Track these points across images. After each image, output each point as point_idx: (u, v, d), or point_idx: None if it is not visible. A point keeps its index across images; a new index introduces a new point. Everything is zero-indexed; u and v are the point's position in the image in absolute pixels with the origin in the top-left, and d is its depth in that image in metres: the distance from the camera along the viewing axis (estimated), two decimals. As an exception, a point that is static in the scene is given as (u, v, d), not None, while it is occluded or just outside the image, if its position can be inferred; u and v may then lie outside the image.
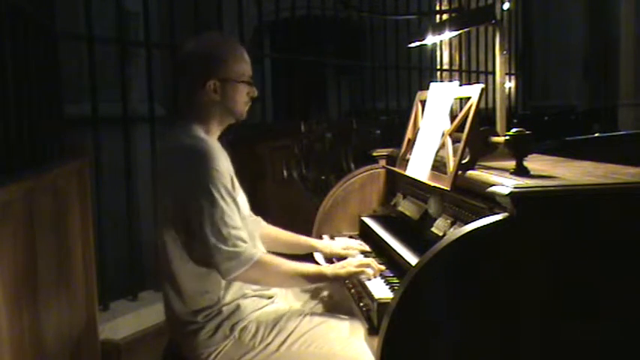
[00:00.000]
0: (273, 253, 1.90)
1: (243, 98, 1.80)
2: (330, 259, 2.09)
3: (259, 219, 2.05)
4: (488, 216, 1.35)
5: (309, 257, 2.13)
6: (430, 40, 2.29)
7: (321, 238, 2.29)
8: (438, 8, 7.02)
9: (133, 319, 3.22)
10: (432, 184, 1.79)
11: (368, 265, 1.76)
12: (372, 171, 2.49)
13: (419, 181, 1.91)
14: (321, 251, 2.12)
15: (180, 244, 1.69)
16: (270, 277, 1.71)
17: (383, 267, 1.80)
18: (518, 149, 1.55)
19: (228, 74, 1.75)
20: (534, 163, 1.77)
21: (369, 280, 1.74)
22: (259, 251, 1.68)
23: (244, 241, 1.64)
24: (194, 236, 1.66)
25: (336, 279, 1.76)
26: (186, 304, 1.70)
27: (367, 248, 2.10)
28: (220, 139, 1.85)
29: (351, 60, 6.28)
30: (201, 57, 1.76)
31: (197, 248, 1.67)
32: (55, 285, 1.96)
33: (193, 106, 1.77)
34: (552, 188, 1.36)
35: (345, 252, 2.05)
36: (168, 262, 1.71)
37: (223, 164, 1.69)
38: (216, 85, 1.74)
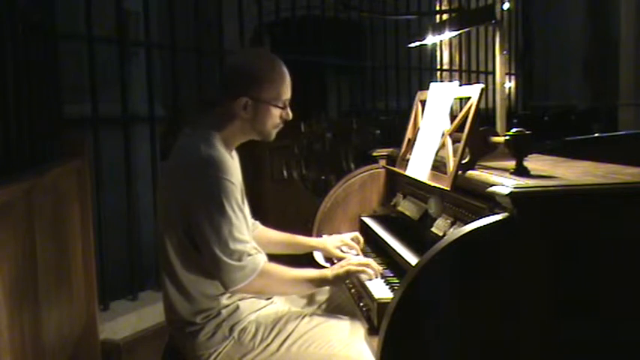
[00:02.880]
0: (270, 254, 1.90)
1: (273, 121, 1.76)
2: (329, 258, 2.09)
3: (257, 223, 2.05)
4: (488, 216, 1.35)
5: (309, 257, 2.13)
6: (430, 40, 2.29)
7: (320, 237, 2.29)
8: (438, 8, 7.02)
9: (133, 319, 3.22)
10: (432, 184, 1.79)
11: (367, 265, 1.77)
12: (372, 171, 2.49)
13: (419, 181, 1.91)
14: (317, 248, 2.12)
15: (182, 246, 1.69)
16: (272, 287, 1.71)
17: (380, 268, 1.80)
18: (518, 149, 1.55)
19: (262, 95, 1.71)
20: (534, 163, 1.77)
21: (370, 280, 1.74)
22: (262, 262, 1.67)
23: (249, 254, 1.64)
24: (200, 244, 1.65)
25: (337, 280, 1.76)
26: (186, 306, 1.70)
27: (361, 239, 2.12)
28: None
29: (351, 60, 6.27)
30: (239, 72, 1.74)
31: (202, 256, 1.66)
32: (55, 285, 1.96)
33: (219, 115, 1.75)
34: (552, 188, 1.36)
35: (342, 254, 2.05)
36: (170, 264, 1.70)
37: (236, 176, 1.69)
38: (247, 104, 1.70)
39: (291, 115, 1.79)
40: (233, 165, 1.72)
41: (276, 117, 1.76)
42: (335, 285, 1.85)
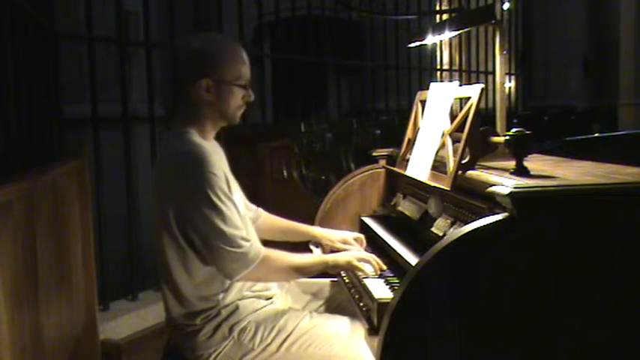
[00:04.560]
0: (272, 241, 1.90)
1: (236, 102, 1.75)
2: (328, 252, 2.09)
3: (260, 210, 2.05)
4: (488, 216, 1.35)
5: (306, 250, 2.13)
6: (430, 40, 2.29)
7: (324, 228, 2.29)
8: (438, 8, 7.02)
9: (133, 319, 3.22)
10: (432, 184, 1.79)
11: (368, 262, 1.77)
12: (372, 171, 2.48)
13: (419, 181, 1.91)
14: (318, 238, 2.11)
15: (178, 248, 1.68)
16: (274, 273, 1.72)
17: (384, 267, 1.80)
18: (518, 149, 1.55)
19: (222, 75, 1.71)
20: (534, 163, 1.77)
21: (370, 277, 1.74)
22: (262, 248, 1.68)
23: (247, 240, 1.64)
24: (197, 241, 1.65)
25: (336, 266, 1.77)
26: (185, 307, 1.70)
27: (363, 239, 2.11)
28: (217, 138, 1.84)
29: (351, 60, 6.28)
30: (196, 55, 1.73)
31: (200, 253, 1.66)
32: (55, 285, 1.96)
33: (186, 106, 1.75)
34: (552, 188, 1.36)
35: (344, 247, 2.05)
36: (167, 265, 1.70)
37: (219, 167, 1.68)
38: (209, 85, 1.70)
39: (252, 96, 1.78)
40: (214, 156, 1.70)
41: (238, 98, 1.75)
42: (333, 271, 1.84)
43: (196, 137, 1.72)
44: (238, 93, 1.74)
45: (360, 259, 1.78)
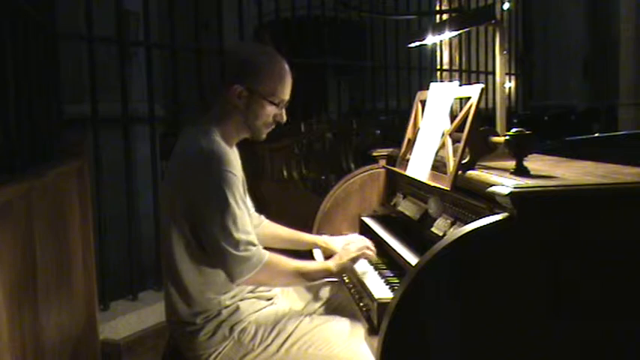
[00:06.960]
0: (275, 250, 1.91)
1: (265, 118, 1.73)
2: (329, 257, 2.09)
3: (262, 217, 2.05)
4: (488, 216, 1.35)
5: (308, 256, 2.13)
6: (430, 40, 2.29)
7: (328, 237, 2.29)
8: (438, 8, 7.02)
9: (133, 319, 3.22)
10: (432, 184, 1.79)
11: (367, 248, 1.82)
12: (372, 171, 2.48)
13: (419, 181, 1.91)
14: (323, 246, 2.12)
15: (187, 245, 1.68)
16: (277, 278, 1.72)
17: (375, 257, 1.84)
18: (518, 149, 1.55)
19: (257, 87, 1.69)
20: (534, 163, 1.77)
21: (370, 277, 1.75)
22: (267, 253, 1.68)
23: (254, 244, 1.64)
24: (204, 238, 1.65)
25: (342, 269, 1.78)
26: (188, 305, 1.70)
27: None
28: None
29: (351, 60, 6.27)
30: (239, 60, 1.73)
31: (206, 250, 1.66)
32: (55, 285, 1.96)
33: (218, 109, 1.75)
34: (552, 188, 1.36)
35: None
36: (173, 261, 1.70)
37: (237, 169, 1.69)
38: (242, 93, 1.69)
39: (285, 118, 1.77)
40: (234, 158, 1.72)
41: (269, 114, 1.74)
42: (340, 275, 1.84)
43: (219, 137, 1.72)
44: (270, 109, 1.73)
45: (358, 250, 1.82)
